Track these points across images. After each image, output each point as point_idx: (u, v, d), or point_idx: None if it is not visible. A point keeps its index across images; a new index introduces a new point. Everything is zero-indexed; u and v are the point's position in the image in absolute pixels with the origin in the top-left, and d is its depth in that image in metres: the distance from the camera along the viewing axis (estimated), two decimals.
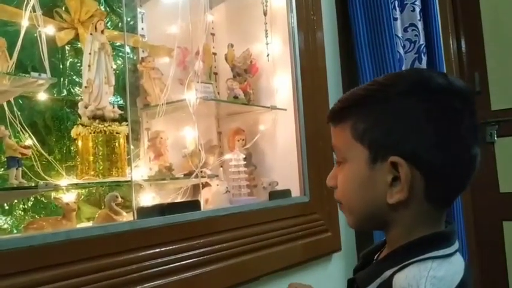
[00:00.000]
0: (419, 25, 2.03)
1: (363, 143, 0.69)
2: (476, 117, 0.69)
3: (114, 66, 1.29)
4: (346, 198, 0.75)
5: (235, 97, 1.50)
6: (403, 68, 1.89)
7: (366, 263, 0.75)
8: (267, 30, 1.56)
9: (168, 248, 1.05)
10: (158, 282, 1.01)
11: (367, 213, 0.72)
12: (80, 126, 1.19)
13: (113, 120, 1.23)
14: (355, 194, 0.72)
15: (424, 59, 2.06)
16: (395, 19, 1.91)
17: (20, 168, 1.03)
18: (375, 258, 0.77)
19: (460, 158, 0.67)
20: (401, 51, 1.93)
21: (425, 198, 0.68)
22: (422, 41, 2.04)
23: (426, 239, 0.68)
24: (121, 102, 1.42)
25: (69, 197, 1.09)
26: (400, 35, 1.94)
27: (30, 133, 1.16)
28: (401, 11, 2.00)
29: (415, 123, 0.66)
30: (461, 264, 0.69)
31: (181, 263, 1.07)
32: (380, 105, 0.69)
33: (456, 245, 0.70)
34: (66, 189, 1.12)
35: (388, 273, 0.66)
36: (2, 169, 1.13)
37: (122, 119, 1.26)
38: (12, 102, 1.13)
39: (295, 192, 1.50)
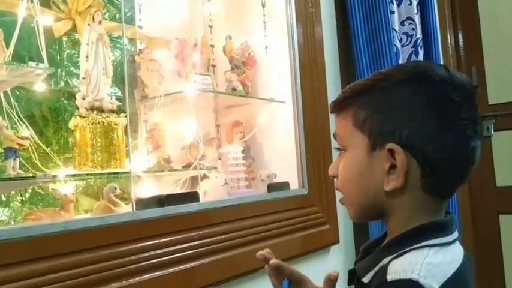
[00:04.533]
0: (417, 19, 2.03)
1: (363, 131, 0.70)
2: (477, 111, 0.70)
3: (112, 58, 1.28)
4: (345, 187, 0.75)
5: (234, 89, 1.49)
6: (400, 62, 1.89)
7: (365, 255, 0.75)
8: (265, 23, 1.56)
9: (166, 239, 1.05)
10: (157, 273, 1.01)
11: (366, 202, 0.73)
12: (78, 117, 1.19)
13: (111, 111, 1.23)
14: (354, 182, 0.73)
15: (421, 52, 2.06)
16: (393, 12, 1.91)
17: (18, 159, 1.03)
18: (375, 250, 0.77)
19: (457, 150, 0.67)
20: (398, 44, 1.92)
21: (421, 187, 0.68)
22: (419, 35, 2.04)
23: (424, 228, 0.68)
24: (119, 93, 1.42)
25: (67, 189, 1.08)
26: (397, 28, 1.94)
27: (28, 124, 1.15)
28: (399, 5, 1.99)
29: (413, 112, 0.67)
30: (460, 254, 0.69)
31: (180, 254, 1.07)
32: (380, 93, 0.70)
33: (455, 235, 0.70)
34: (64, 180, 1.11)
35: (385, 260, 0.67)
36: (0, 160, 1.12)
37: (119, 111, 1.26)
38: (9, 93, 1.12)
39: (294, 184, 1.50)
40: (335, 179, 0.79)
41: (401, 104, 0.68)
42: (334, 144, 1.64)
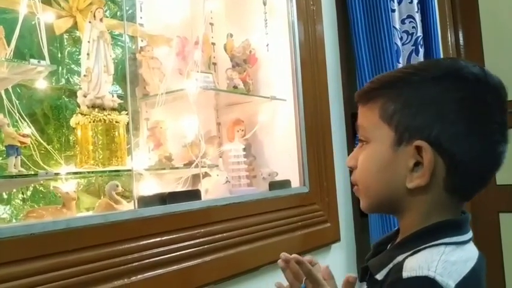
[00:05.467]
0: (417, 17, 2.03)
1: (390, 124, 0.69)
2: (506, 115, 0.68)
3: (113, 56, 1.28)
4: (364, 179, 0.74)
5: (235, 87, 1.49)
6: (400, 60, 1.89)
7: (377, 253, 0.75)
8: (266, 20, 1.55)
9: (168, 237, 1.05)
10: (158, 271, 1.01)
11: (383, 196, 0.71)
12: (79, 115, 1.18)
13: (112, 109, 1.22)
14: (374, 175, 0.72)
15: (421, 51, 2.05)
16: (393, 11, 1.90)
17: (19, 157, 1.03)
18: (388, 247, 0.77)
19: (486, 153, 0.67)
20: (399, 43, 1.92)
21: (444, 187, 0.67)
22: (419, 33, 2.03)
23: (440, 226, 0.67)
24: (120, 91, 1.41)
25: (68, 187, 1.08)
26: (397, 26, 1.93)
27: (29, 122, 1.15)
28: (399, 3, 1.99)
29: (445, 111, 0.66)
30: (475, 253, 0.69)
31: (182, 252, 1.07)
32: (412, 88, 0.68)
33: (470, 234, 0.69)
34: (66, 178, 1.11)
35: (400, 258, 0.66)
36: (1, 158, 1.12)
37: (121, 109, 1.25)
38: (11, 90, 1.12)
39: (295, 182, 1.50)
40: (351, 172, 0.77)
41: (434, 100, 0.66)
42: (335, 141, 1.66)
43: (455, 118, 0.65)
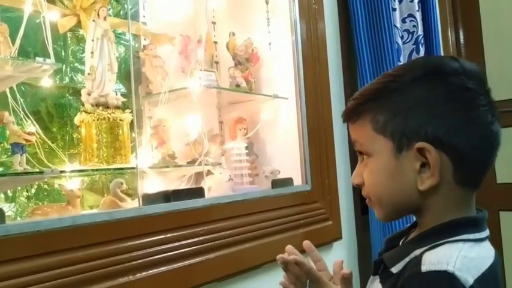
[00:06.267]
0: (418, 16, 2.03)
1: (385, 135, 0.70)
2: (491, 95, 0.70)
3: (116, 54, 1.29)
4: (375, 193, 0.74)
5: (237, 85, 1.49)
6: (401, 59, 1.89)
7: (390, 247, 0.75)
8: (268, 19, 1.56)
9: (172, 234, 1.06)
10: (163, 268, 1.01)
11: (398, 203, 0.72)
12: (84, 113, 1.19)
13: (116, 107, 1.23)
14: (385, 187, 0.72)
15: (422, 49, 2.06)
16: (394, 9, 1.91)
17: (24, 155, 1.03)
18: (400, 243, 0.77)
19: (483, 137, 0.68)
20: (400, 41, 1.92)
21: (455, 181, 0.68)
22: (420, 32, 2.04)
23: (458, 222, 0.68)
24: (123, 90, 1.42)
25: (73, 184, 1.09)
26: (398, 25, 1.94)
27: (33, 120, 1.15)
28: (400, 2, 1.99)
29: (434, 108, 0.67)
30: (492, 251, 0.69)
31: (186, 249, 1.07)
32: (395, 95, 0.69)
33: (487, 232, 0.70)
34: (70, 176, 1.12)
35: (417, 252, 0.66)
36: (6, 156, 1.12)
37: (124, 107, 1.26)
38: (15, 89, 1.12)
39: (297, 180, 1.51)
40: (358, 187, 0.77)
41: (420, 101, 0.67)
42: (337, 140, 1.66)
43: (445, 112, 0.66)
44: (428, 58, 0.81)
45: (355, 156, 0.80)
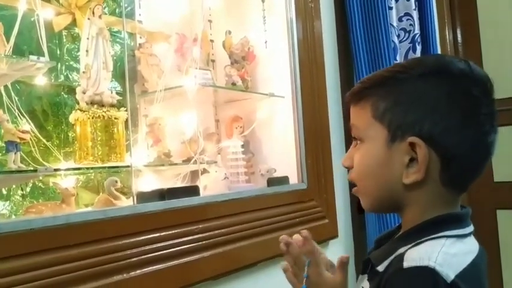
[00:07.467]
0: (415, 14, 2.03)
1: (382, 122, 0.70)
2: (494, 106, 0.70)
3: (112, 53, 1.28)
4: (361, 178, 0.75)
5: (233, 84, 1.49)
6: (398, 58, 1.89)
7: (379, 247, 0.76)
8: (265, 17, 1.56)
9: (167, 232, 1.06)
10: (157, 266, 1.01)
11: (382, 194, 0.73)
12: (79, 111, 1.19)
13: (111, 105, 1.23)
14: (371, 174, 0.73)
15: (419, 48, 2.06)
16: (390, 8, 1.91)
17: (19, 153, 1.03)
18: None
19: (476, 144, 0.68)
20: (396, 40, 1.93)
21: (441, 180, 0.68)
22: (417, 31, 2.04)
23: (440, 219, 0.68)
24: (118, 88, 1.42)
25: (67, 182, 1.09)
26: (395, 24, 1.94)
27: (28, 118, 1.15)
28: (397, 0, 1.99)
29: (434, 106, 0.67)
30: (476, 247, 0.70)
31: (181, 247, 1.07)
32: (401, 86, 0.70)
33: (471, 228, 0.71)
34: (65, 174, 1.12)
35: (401, 250, 0.67)
36: (0, 154, 1.12)
37: (119, 105, 1.26)
38: (10, 87, 1.12)
39: (293, 179, 1.51)
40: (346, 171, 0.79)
41: (423, 97, 0.68)
42: (333, 138, 1.66)
43: (444, 113, 0.67)
44: (441, 56, 0.81)
45: None
